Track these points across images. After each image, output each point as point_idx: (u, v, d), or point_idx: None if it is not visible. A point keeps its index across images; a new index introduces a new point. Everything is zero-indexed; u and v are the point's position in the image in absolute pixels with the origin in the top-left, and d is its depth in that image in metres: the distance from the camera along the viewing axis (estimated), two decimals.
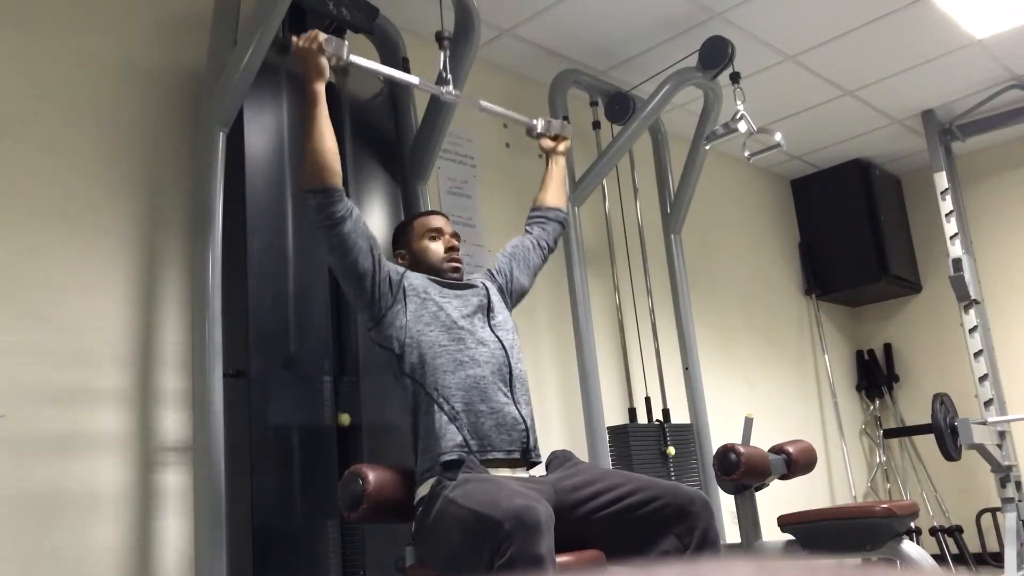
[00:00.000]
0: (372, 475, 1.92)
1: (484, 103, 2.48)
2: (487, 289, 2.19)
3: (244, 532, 2.21)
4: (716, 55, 3.40)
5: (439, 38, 2.37)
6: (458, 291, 2.14)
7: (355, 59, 2.18)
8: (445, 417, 1.92)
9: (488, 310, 2.14)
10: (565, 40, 3.55)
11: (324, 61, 2.06)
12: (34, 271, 2.17)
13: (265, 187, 2.50)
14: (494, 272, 2.32)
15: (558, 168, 2.53)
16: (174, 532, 2.24)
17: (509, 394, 2.00)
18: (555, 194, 2.49)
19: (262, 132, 2.53)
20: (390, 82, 2.95)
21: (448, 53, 2.39)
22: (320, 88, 2.06)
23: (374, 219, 2.75)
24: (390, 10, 2.91)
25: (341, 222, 1.98)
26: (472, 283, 2.21)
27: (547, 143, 2.55)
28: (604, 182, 3.75)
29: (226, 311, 2.26)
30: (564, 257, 3.41)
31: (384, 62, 2.97)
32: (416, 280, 2.11)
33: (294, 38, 2.07)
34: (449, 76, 2.31)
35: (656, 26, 3.49)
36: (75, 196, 2.29)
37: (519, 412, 1.99)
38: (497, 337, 2.08)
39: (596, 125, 3.86)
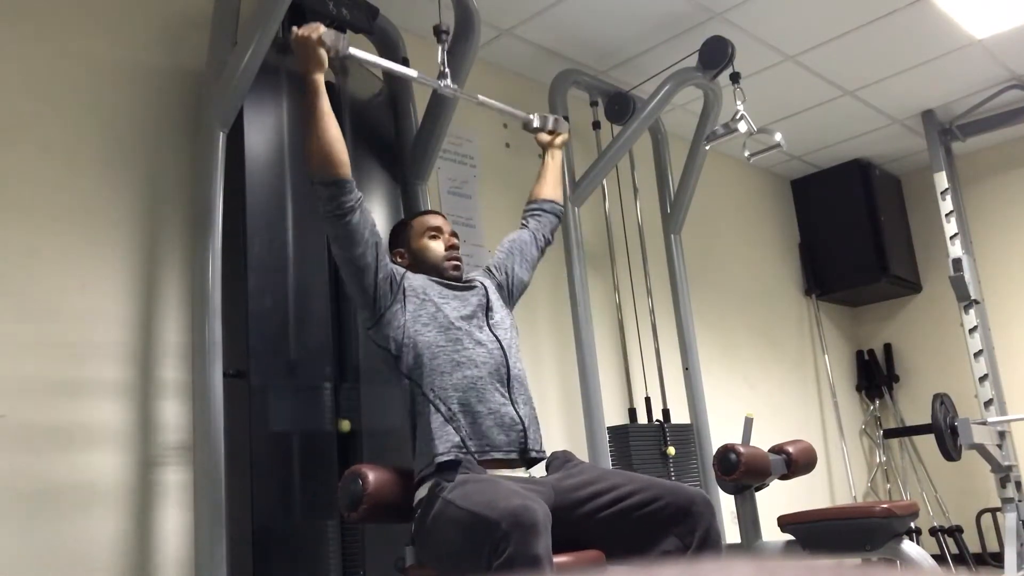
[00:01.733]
0: (372, 475, 1.92)
1: (482, 98, 2.49)
2: (486, 289, 2.19)
3: (244, 532, 2.21)
4: (716, 55, 3.40)
5: (437, 32, 2.37)
6: (457, 292, 2.14)
7: (354, 51, 2.18)
8: (442, 418, 1.92)
9: (487, 310, 2.13)
10: (565, 40, 3.55)
11: (323, 53, 2.06)
12: (34, 271, 2.17)
13: (265, 187, 2.49)
14: (492, 269, 2.31)
15: (554, 161, 2.53)
16: (174, 532, 2.24)
17: (507, 394, 2.00)
18: (552, 187, 2.49)
19: (262, 132, 2.53)
20: (390, 82, 2.95)
21: (447, 47, 2.39)
22: (320, 79, 2.05)
23: (374, 219, 2.75)
24: (390, 10, 2.91)
25: (350, 212, 1.99)
26: (471, 283, 2.20)
27: (543, 137, 2.56)
28: (604, 182, 3.75)
29: (226, 311, 2.25)
30: (564, 257, 3.41)
31: None
32: (416, 281, 2.11)
33: (294, 28, 2.07)
34: (447, 70, 2.32)
35: (656, 26, 3.49)
36: (75, 196, 2.29)
37: (517, 413, 1.99)
38: (495, 336, 2.07)
39: (596, 125, 3.86)
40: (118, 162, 2.39)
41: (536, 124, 2.56)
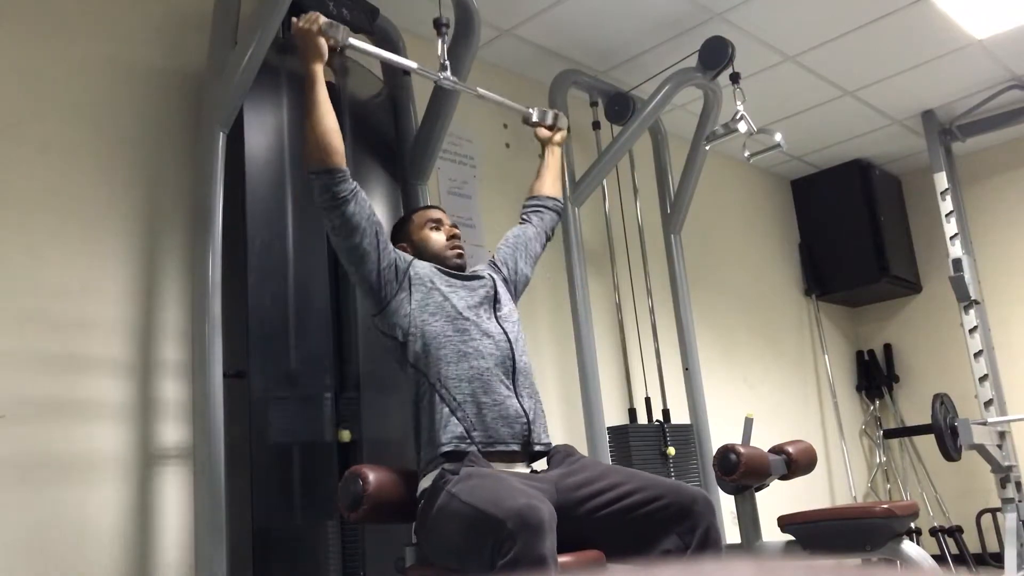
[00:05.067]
0: (372, 475, 1.92)
1: (482, 91, 2.49)
2: (493, 280, 2.19)
3: (244, 532, 2.21)
4: (716, 55, 3.40)
5: (437, 24, 2.37)
6: (464, 281, 2.15)
7: (354, 42, 2.18)
8: (447, 408, 1.92)
9: (494, 301, 2.13)
10: (565, 40, 3.55)
11: (323, 42, 2.08)
12: (34, 271, 2.17)
13: (265, 187, 2.50)
14: (497, 263, 2.32)
15: (554, 158, 2.54)
16: (174, 532, 2.24)
17: (511, 387, 2.00)
18: (552, 183, 2.50)
19: (262, 132, 2.53)
20: (390, 82, 2.95)
21: (447, 41, 2.38)
22: (319, 69, 2.07)
23: (373, 208, 2.75)
24: (390, 10, 2.91)
25: (344, 203, 2.00)
26: (479, 274, 2.21)
27: (543, 132, 2.57)
28: (604, 182, 3.75)
29: (226, 311, 2.25)
30: (564, 257, 3.41)
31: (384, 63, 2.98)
32: (423, 269, 2.12)
33: (294, 20, 2.10)
34: (447, 63, 2.31)
35: (656, 26, 3.49)
36: (75, 196, 2.29)
37: (521, 405, 1.98)
38: (502, 329, 2.08)
39: (596, 125, 3.86)
40: (118, 162, 2.39)
41: (535, 118, 2.57)
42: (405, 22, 3.01)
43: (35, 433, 2.08)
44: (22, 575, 1.98)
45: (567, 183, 3.46)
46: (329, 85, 2.77)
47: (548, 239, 2.46)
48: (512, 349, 2.05)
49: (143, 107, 2.48)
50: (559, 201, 2.50)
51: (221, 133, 2.35)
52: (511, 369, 2.02)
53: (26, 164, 2.22)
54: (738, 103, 3.23)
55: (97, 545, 2.12)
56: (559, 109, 3.53)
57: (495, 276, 2.24)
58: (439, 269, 2.16)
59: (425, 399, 1.96)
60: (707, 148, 3.62)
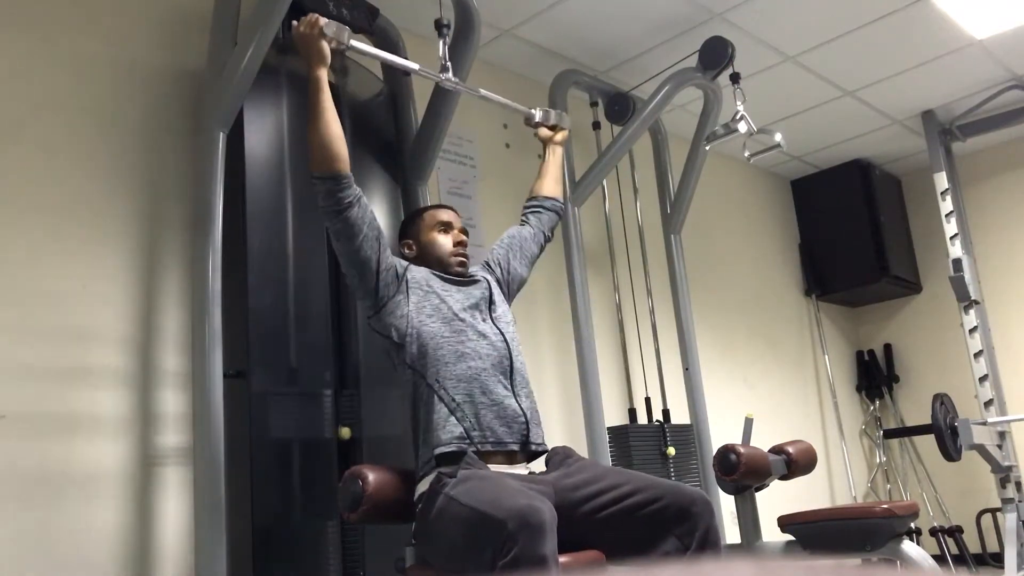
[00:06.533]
0: (372, 476, 1.92)
1: (484, 92, 2.47)
2: (488, 283, 2.20)
3: (244, 532, 2.21)
4: (716, 55, 3.40)
5: (438, 25, 2.36)
6: (460, 285, 2.15)
7: (355, 43, 2.16)
8: (445, 409, 1.92)
9: (490, 303, 2.14)
10: (565, 40, 3.55)
11: (325, 46, 2.06)
12: (35, 271, 2.17)
13: (265, 187, 2.49)
14: (491, 264, 2.31)
15: (555, 158, 2.53)
16: (174, 532, 2.24)
17: (509, 387, 2.00)
18: (552, 184, 2.48)
19: (262, 132, 2.53)
20: (390, 82, 2.95)
21: (448, 41, 2.38)
22: (323, 74, 2.06)
23: (374, 214, 2.75)
24: (390, 10, 2.91)
25: (348, 208, 2.00)
26: (475, 278, 2.21)
27: (545, 132, 2.55)
28: (604, 182, 3.75)
29: (226, 311, 2.25)
30: (564, 257, 3.41)
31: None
32: (418, 273, 2.12)
33: (294, 23, 2.08)
34: (449, 64, 2.30)
35: (656, 26, 3.49)
36: (75, 197, 2.29)
37: (519, 405, 1.99)
38: (499, 329, 2.08)
39: (596, 125, 3.86)
40: (118, 162, 2.39)
41: (537, 119, 2.54)
42: (405, 22, 3.01)
43: (36, 433, 2.08)
44: (25, 569, 1.98)
45: (567, 183, 3.46)
46: (330, 86, 2.78)
47: (547, 240, 2.44)
48: (509, 349, 2.06)
49: (143, 107, 2.48)
50: (558, 201, 2.48)
51: (221, 133, 2.35)
52: (508, 369, 2.03)
53: (27, 163, 2.22)
54: (738, 103, 3.23)
55: (98, 545, 2.12)
56: (560, 109, 3.54)
57: (489, 278, 2.24)
58: (435, 273, 2.16)
59: (423, 400, 1.96)
60: (707, 148, 3.62)
